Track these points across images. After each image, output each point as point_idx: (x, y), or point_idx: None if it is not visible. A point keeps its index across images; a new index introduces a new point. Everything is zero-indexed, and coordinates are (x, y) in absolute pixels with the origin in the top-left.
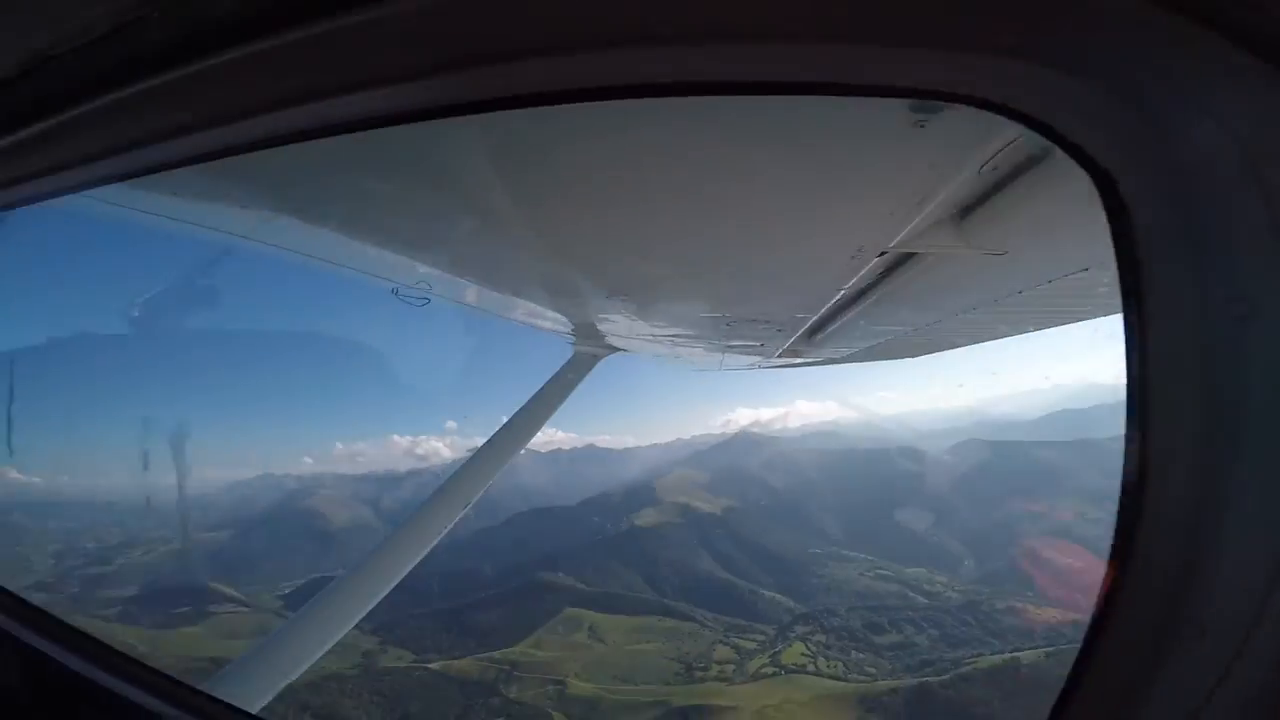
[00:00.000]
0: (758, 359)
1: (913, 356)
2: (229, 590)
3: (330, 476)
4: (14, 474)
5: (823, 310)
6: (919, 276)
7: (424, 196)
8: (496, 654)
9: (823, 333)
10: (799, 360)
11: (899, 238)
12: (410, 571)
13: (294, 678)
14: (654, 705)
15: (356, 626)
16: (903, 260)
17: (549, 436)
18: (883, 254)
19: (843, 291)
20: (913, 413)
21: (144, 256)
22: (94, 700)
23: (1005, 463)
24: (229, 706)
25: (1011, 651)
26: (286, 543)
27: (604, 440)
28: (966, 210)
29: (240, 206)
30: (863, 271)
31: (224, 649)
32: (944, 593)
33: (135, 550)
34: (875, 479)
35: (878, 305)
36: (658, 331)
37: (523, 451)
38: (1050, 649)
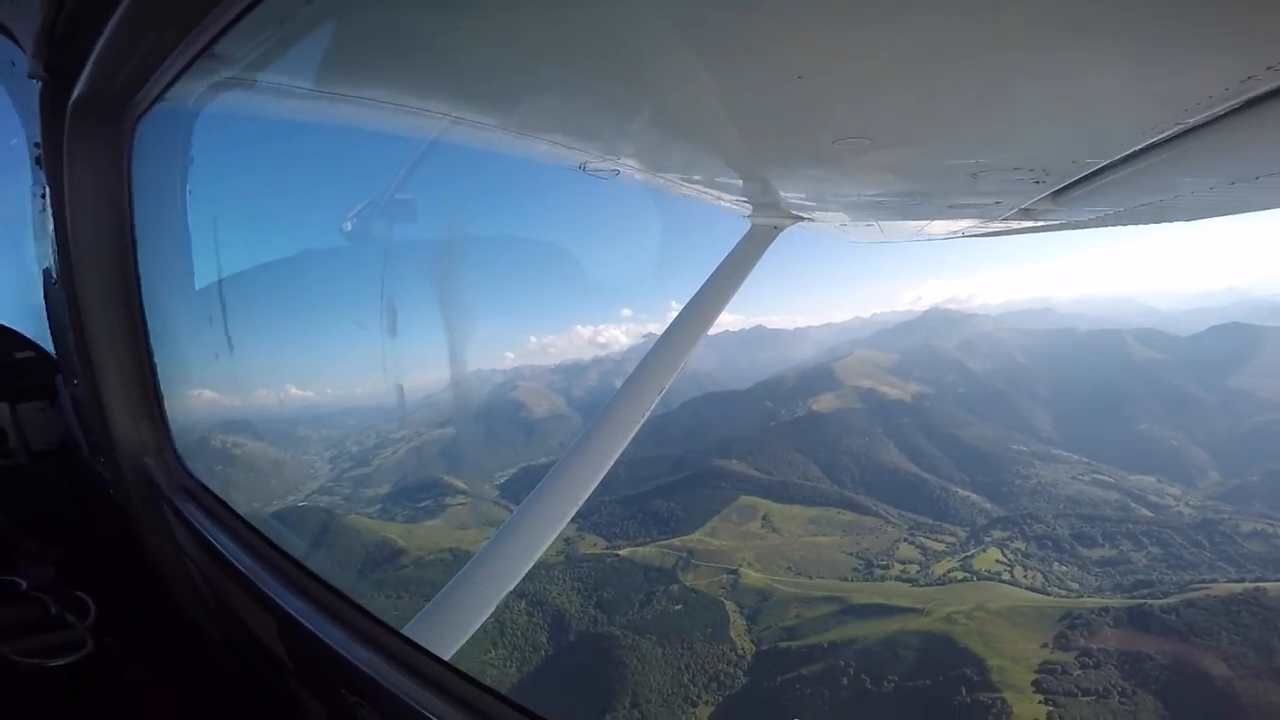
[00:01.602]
0: (973, 223)
1: (1186, 220)
2: (457, 483)
3: (527, 369)
4: (294, 390)
5: (1122, 154)
6: None
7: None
8: (676, 541)
9: (1085, 187)
10: (1024, 225)
11: None
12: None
13: (515, 584)
14: (829, 600)
15: None
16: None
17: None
18: None
19: (1178, 126)
20: (1150, 291)
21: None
22: (343, 666)
23: (1277, 354)
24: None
25: (1255, 581)
26: (497, 434)
27: (772, 320)
28: None
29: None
30: (1232, 101)
31: (459, 539)
32: (1174, 507)
33: (386, 451)
34: (1100, 366)
35: (1194, 152)
36: (866, 191)
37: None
38: None
